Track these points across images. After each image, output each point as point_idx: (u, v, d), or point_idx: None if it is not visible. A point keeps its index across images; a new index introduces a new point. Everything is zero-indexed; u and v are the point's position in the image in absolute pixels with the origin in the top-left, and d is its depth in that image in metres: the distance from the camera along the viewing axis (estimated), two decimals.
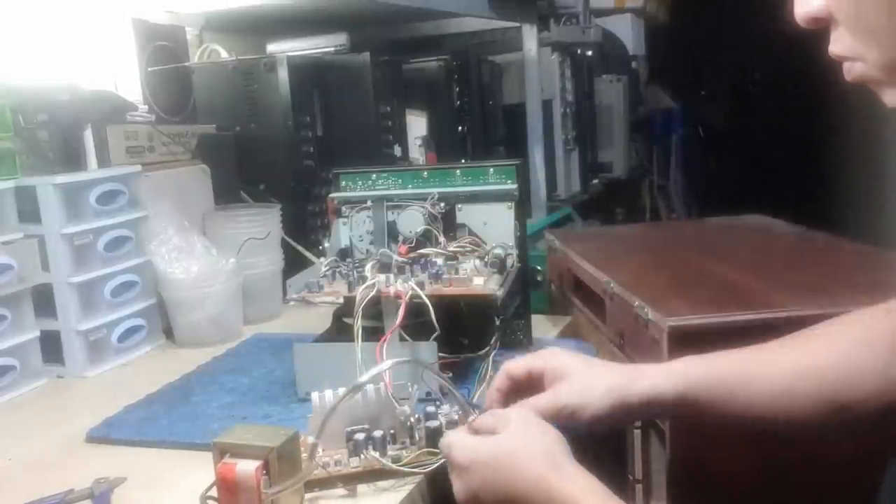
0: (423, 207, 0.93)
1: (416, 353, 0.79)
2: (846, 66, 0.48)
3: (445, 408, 0.70)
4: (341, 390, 0.68)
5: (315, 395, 0.70)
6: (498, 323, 0.88)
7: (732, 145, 3.57)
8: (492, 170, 0.95)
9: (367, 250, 0.96)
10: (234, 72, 1.41)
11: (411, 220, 0.93)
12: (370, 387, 0.69)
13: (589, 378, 0.67)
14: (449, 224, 0.95)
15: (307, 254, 1.32)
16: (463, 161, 1.87)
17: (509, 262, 0.90)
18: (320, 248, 1.34)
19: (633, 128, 2.68)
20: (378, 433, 0.68)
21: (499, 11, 1.83)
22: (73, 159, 1.12)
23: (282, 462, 0.61)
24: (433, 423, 0.68)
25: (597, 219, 2.31)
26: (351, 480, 0.66)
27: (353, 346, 0.77)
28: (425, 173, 0.96)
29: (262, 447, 0.60)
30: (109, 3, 1.37)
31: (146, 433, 0.81)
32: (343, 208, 0.98)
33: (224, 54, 1.64)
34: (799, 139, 3.32)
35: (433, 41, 2.17)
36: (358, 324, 0.79)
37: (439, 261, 0.87)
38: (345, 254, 0.97)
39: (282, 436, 0.62)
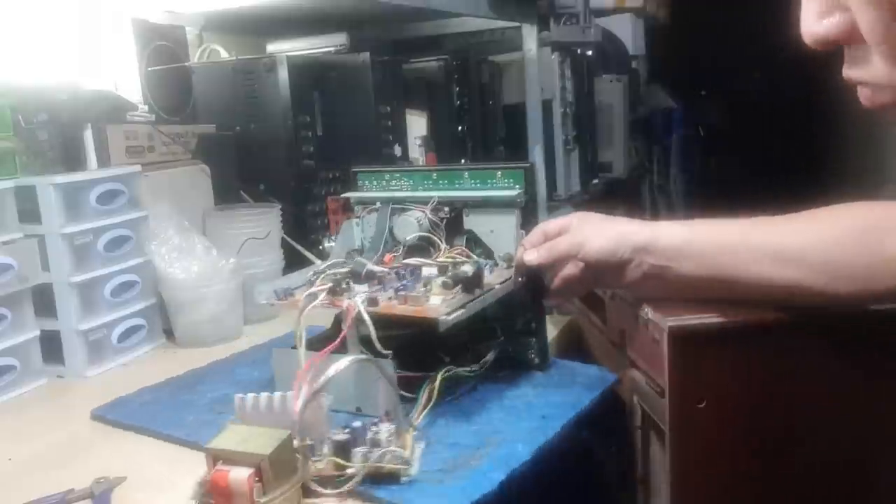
0: (423, 212, 0.88)
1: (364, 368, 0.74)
2: (866, 91, 0.43)
3: (384, 426, 0.69)
4: (263, 395, 0.68)
5: (238, 398, 0.70)
6: (501, 339, 0.84)
7: (732, 145, 3.57)
8: (499, 173, 0.88)
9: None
10: (234, 72, 1.41)
11: (405, 226, 0.89)
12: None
13: (605, 222, 0.82)
14: (456, 230, 0.89)
15: (307, 254, 1.32)
16: (463, 161, 1.88)
17: (497, 277, 0.83)
18: (320, 248, 1.34)
19: (633, 128, 2.68)
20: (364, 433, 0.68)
21: (499, 11, 1.83)
22: (73, 159, 1.12)
23: (275, 468, 0.60)
24: (340, 437, 0.66)
25: None
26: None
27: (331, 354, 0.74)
28: (435, 175, 0.92)
29: (254, 455, 0.60)
30: (109, 3, 1.37)
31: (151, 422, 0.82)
32: (357, 208, 0.95)
33: (224, 54, 1.64)
34: (799, 139, 3.32)
35: (433, 41, 2.16)
36: (300, 330, 0.78)
37: (427, 271, 0.81)
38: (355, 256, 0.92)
39: (275, 440, 0.61)
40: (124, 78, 1.35)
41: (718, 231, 0.78)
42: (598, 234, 0.80)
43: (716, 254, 0.76)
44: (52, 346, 1.01)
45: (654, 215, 3.00)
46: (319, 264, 0.92)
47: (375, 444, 0.68)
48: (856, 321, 0.75)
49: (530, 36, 1.99)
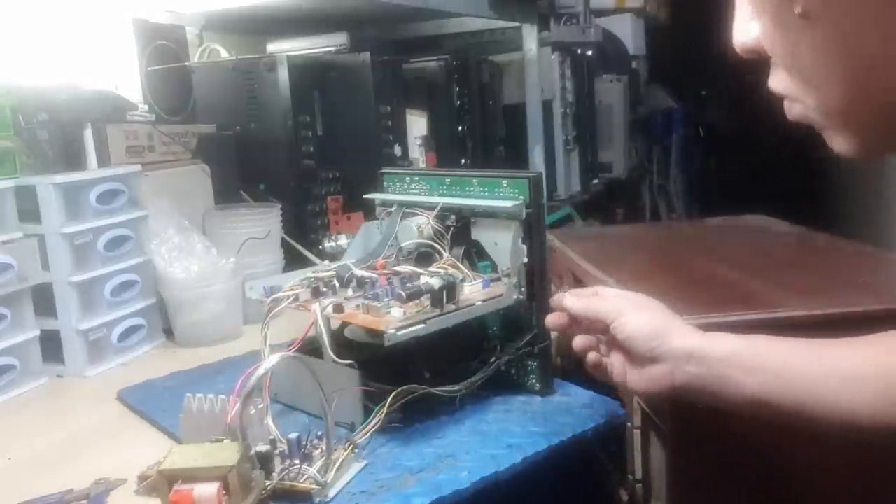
0: (426, 218, 0.86)
1: (320, 373, 0.70)
2: (785, 103, 0.43)
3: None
4: (209, 397, 0.68)
5: (187, 398, 0.70)
6: (495, 360, 0.80)
7: (732, 145, 3.57)
8: (505, 182, 0.81)
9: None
10: (234, 72, 1.41)
11: (406, 232, 0.87)
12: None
13: (658, 311, 0.70)
14: (463, 240, 0.85)
15: (307, 254, 1.32)
16: (463, 162, 1.88)
17: (490, 293, 0.79)
18: (320, 248, 1.33)
19: (633, 128, 2.68)
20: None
21: (499, 11, 1.83)
22: (73, 159, 1.12)
23: (241, 479, 0.59)
24: (262, 448, 0.65)
25: (597, 219, 2.31)
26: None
27: (314, 360, 0.75)
28: (448, 180, 0.88)
29: (221, 467, 0.59)
30: (109, 3, 1.37)
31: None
32: (379, 210, 0.93)
33: (224, 54, 1.64)
34: (799, 139, 3.32)
35: (433, 41, 2.16)
36: (266, 333, 0.77)
37: (424, 280, 0.78)
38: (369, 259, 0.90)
39: (234, 452, 0.61)
40: (124, 78, 1.35)
41: (779, 345, 0.66)
42: (641, 313, 0.69)
43: (777, 368, 0.65)
44: (51, 346, 1.01)
45: (654, 215, 3.00)
46: (322, 264, 0.91)
47: (307, 459, 0.66)
48: (857, 322, 0.75)
49: (530, 36, 1.99)
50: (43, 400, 0.97)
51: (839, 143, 0.42)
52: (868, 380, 0.63)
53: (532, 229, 0.80)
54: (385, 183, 0.95)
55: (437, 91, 1.85)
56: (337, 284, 0.82)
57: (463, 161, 1.88)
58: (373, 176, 0.98)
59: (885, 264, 1.02)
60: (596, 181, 2.41)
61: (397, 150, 1.60)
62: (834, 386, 0.63)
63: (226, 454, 0.61)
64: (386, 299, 0.74)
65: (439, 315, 0.73)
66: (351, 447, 0.69)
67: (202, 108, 1.42)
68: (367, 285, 0.79)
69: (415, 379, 0.75)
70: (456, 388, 0.77)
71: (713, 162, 3.59)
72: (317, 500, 0.64)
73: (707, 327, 0.74)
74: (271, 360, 0.66)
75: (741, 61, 0.44)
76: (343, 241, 0.98)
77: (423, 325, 0.71)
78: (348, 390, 0.73)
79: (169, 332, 1.15)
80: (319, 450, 0.68)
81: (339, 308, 0.76)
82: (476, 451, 0.72)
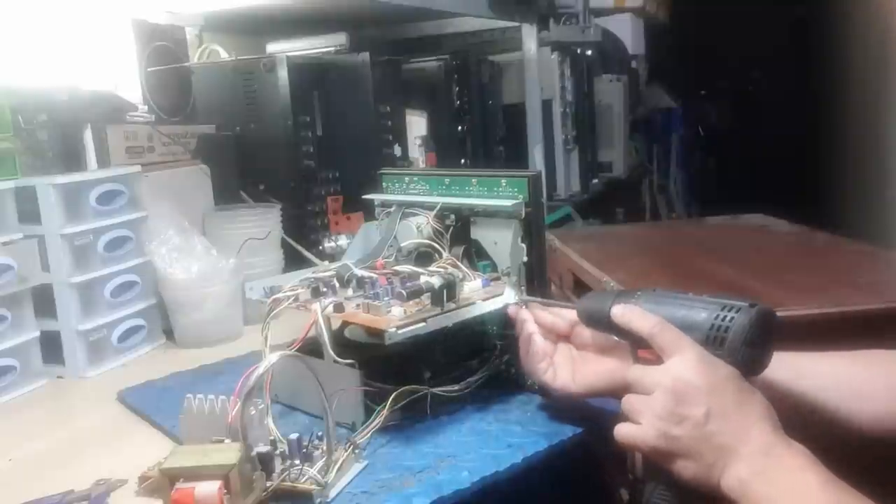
0: (426, 218, 0.86)
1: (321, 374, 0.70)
2: None
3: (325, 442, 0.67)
4: (209, 397, 0.68)
5: (187, 398, 0.70)
6: (496, 359, 0.81)
7: (732, 145, 3.57)
8: (504, 181, 0.81)
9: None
10: (234, 72, 1.41)
11: (405, 232, 0.87)
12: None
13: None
14: (462, 239, 0.85)
15: (307, 254, 1.32)
16: (463, 161, 1.88)
17: (489, 292, 0.78)
18: (320, 248, 1.34)
19: (633, 128, 2.69)
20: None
21: (498, 11, 1.84)
22: (73, 159, 1.12)
23: (242, 478, 0.60)
24: (262, 449, 0.65)
25: (597, 219, 2.31)
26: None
27: (314, 360, 0.75)
28: (447, 180, 0.88)
29: (222, 466, 0.59)
30: (109, 3, 1.37)
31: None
32: (378, 210, 0.93)
33: (224, 54, 1.64)
34: (799, 139, 3.32)
35: (433, 41, 2.17)
36: (266, 333, 0.77)
37: (424, 280, 0.78)
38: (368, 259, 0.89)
39: (235, 452, 0.61)
40: (124, 78, 1.35)
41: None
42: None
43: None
44: (52, 347, 1.01)
45: (654, 215, 3.00)
46: (322, 264, 0.91)
47: (307, 459, 0.66)
48: (856, 321, 0.75)
49: (530, 36, 2.00)
50: (43, 401, 0.97)
51: None
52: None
53: (531, 228, 0.80)
54: (384, 183, 0.95)
55: (437, 91, 1.85)
56: (337, 284, 0.82)
57: (463, 161, 1.88)
58: (373, 176, 0.98)
59: (885, 263, 1.02)
60: (596, 181, 2.41)
61: (397, 150, 1.60)
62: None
63: (227, 454, 0.61)
64: (386, 298, 0.74)
65: (440, 313, 0.73)
66: (351, 447, 0.69)
67: (202, 109, 1.42)
68: (368, 285, 0.79)
69: (415, 379, 0.75)
70: (456, 388, 0.77)
71: (713, 162, 3.59)
72: (317, 500, 0.63)
73: None
74: (271, 359, 0.66)
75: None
76: (343, 241, 0.98)
77: (423, 324, 0.71)
78: (349, 390, 0.73)
79: (169, 333, 1.15)
80: (320, 450, 0.68)
81: (339, 308, 0.76)
82: (476, 450, 0.72)
